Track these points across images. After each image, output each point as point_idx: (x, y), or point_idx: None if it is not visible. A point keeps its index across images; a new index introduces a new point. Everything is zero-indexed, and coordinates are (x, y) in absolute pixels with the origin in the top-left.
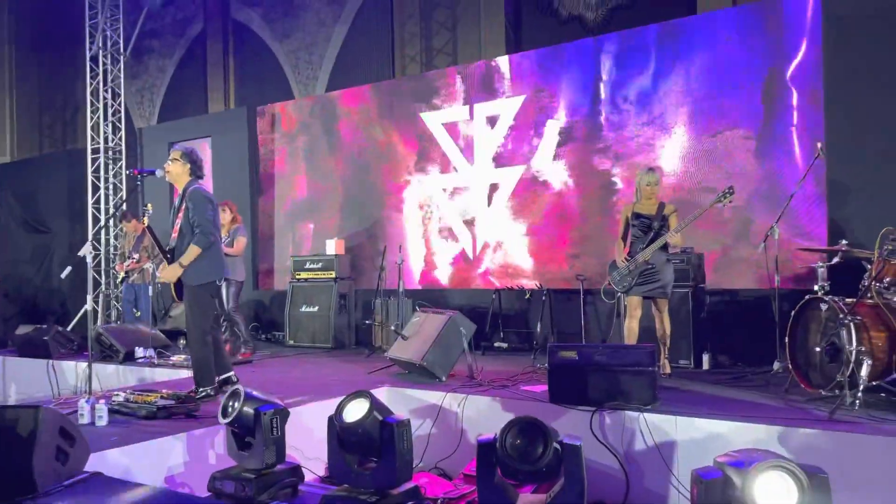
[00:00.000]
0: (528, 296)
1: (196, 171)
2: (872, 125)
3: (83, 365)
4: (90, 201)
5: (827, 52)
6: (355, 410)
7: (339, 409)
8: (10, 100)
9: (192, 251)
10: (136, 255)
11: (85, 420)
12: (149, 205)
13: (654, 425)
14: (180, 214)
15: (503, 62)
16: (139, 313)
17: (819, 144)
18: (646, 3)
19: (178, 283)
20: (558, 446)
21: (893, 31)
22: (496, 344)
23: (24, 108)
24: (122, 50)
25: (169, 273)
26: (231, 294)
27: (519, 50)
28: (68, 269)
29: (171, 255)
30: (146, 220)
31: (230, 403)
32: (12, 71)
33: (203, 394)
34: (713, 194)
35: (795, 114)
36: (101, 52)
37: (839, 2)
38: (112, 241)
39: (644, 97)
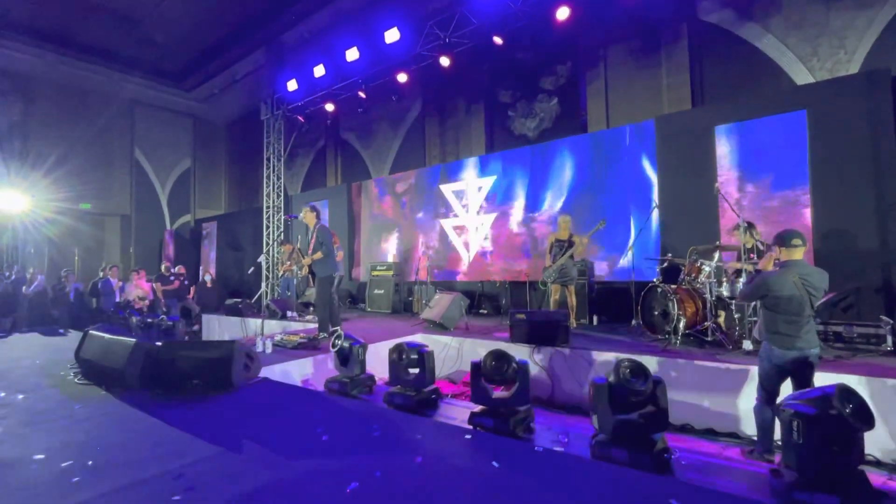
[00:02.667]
0: (497, 284)
1: (319, 217)
2: (682, 193)
3: (259, 320)
4: (264, 233)
5: (660, 151)
6: (401, 350)
7: (395, 345)
8: (225, 180)
9: (317, 255)
10: (287, 263)
11: (259, 349)
12: (299, 237)
13: (567, 354)
14: (313, 239)
15: (484, 158)
16: (290, 293)
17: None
18: (559, 128)
19: (313, 276)
20: (515, 365)
21: (694, 139)
22: (480, 311)
23: (232, 184)
24: (282, 153)
25: (307, 261)
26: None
27: (492, 151)
28: (252, 268)
29: (311, 264)
30: (296, 245)
31: (337, 341)
32: (225, 166)
33: (323, 336)
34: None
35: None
36: (272, 154)
37: (665, 121)
38: (275, 255)
39: (552, 172)
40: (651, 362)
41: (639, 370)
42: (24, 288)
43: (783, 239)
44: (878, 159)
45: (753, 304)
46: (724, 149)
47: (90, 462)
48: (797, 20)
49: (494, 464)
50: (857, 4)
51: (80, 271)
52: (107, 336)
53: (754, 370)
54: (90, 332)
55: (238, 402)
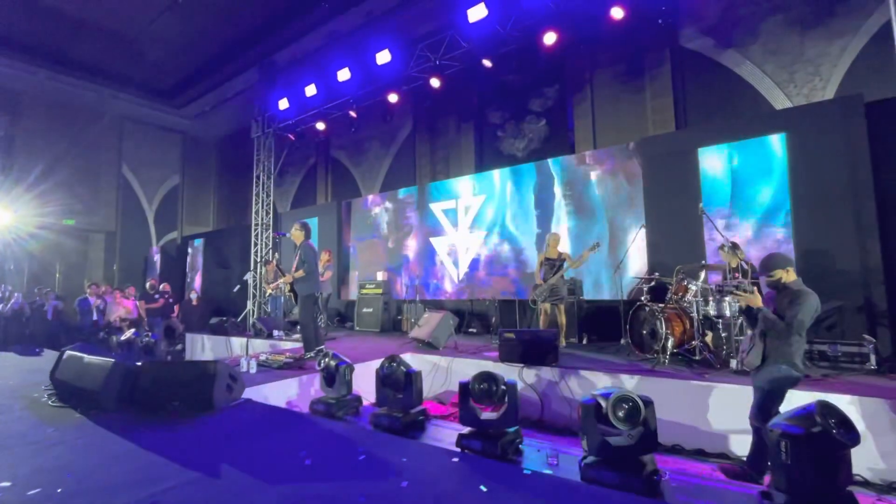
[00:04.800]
0: (486, 303)
1: (307, 235)
2: (668, 212)
3: (244, 339)
4: (252, 251)
5: (646, 171)
6: (388, 370)
7: (382, 365)
8: (213, 198)
9: (299, 273)
10: (272, 283)
11: (244, 369)
12: (277, 254)
13: (556, 374)
14: (297, 258)
15: (473, 177)
16: (275, 312)
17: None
18: (547, 148)
19: (295, 295)
20: (504, 385)
21: (678, 161)
22: (469, 329)
23: (220, 202)
24: (272, 171)
25: (287, 279)
26: (322, 302)
27: (482, 171)
28: (238, 286)
29: (292, 282)
30: (275, 262)
31: (323, 360)
32: (214, 183)
33: (308, 356)
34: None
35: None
36: (262, 172)
37: (650, 143)
38: (262, 272)
39: (541, 192)
40: (640, 382)
41: (625, 399)
42: (0, 306)
43: (789, 260)
44: (855, 180)
45: (739, 322)
46: (707, 170)
47: (59, 490)
48: (774, 48)
49: (482, 488)
50: (830, 34)
51: (61, 288)
52: (84, 356)
53: (743, 389)
54: (67, 351)
55: (219, 425)
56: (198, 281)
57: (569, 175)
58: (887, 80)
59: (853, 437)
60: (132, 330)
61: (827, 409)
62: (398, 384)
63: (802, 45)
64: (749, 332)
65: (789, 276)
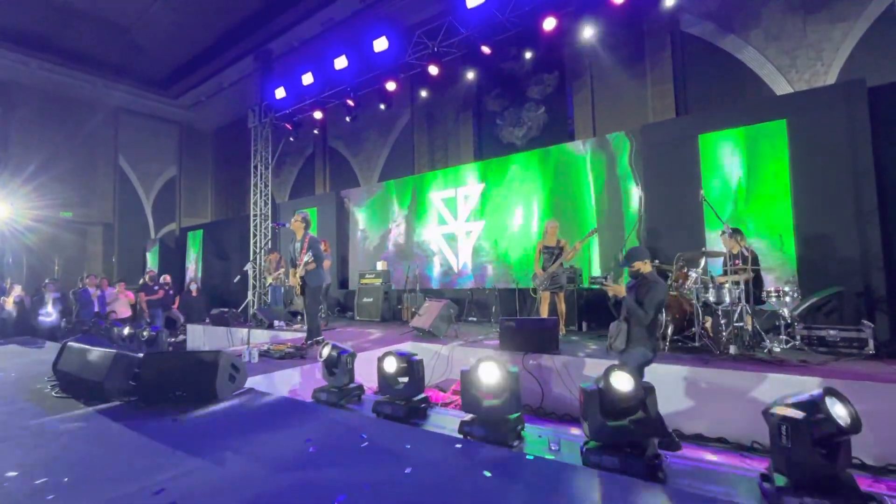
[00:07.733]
0: (486, 291)
1: (307, 226)
2: (668, 200)
3: (245, 329)
4: (251, 241)
5: (646, 158)
6: (390, 359)
7: (382, 355)
8: (211, 189)
9: (311, 266)
10: (274, 273)
11: (246, 359)
12: (298, 245)
13: (557, 362)
14: (304, 250)
15: (474, 164)
16: (278, 303)
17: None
18: (547, 136)
19: (304, 284)
20: (505, 372)
21: (679, 147)
22: (469, 318)
23: (218, 192)
24: (270, 161)
25: (295, 279)
26: (323, 292)
27: (481, 158)
28: (238, 277)
29: (302, 278)
30: (277, 254)
31: (325, 349)
32: (212, 174)
33: (310, 344)
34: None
35: (631, 193)
36: (259, 162)
37: (650, 130)
38: (262, 263)
39: (540, 179)
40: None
41: (628, 377)
42: (2, 299)
43: (647, 253)
44: (856, 166)
45: (739, 309)
46: (707, 156)
47: (66, 479)
48: (776, 33)
49: (486, 473)
50: (832, 18)
51: (59, 281)
52: (86, 347)
53: (741, 375)
54: (69, 343)
55: (222, 414)
56: (195, 271)
57: (568, 163)
58: (890, 64)
59: (857, 427)
60: (127, 325)
61: (835, 396)
62: (400, 373)
63: (804, 29)
64: (618, 320)
65: (646, 267)
